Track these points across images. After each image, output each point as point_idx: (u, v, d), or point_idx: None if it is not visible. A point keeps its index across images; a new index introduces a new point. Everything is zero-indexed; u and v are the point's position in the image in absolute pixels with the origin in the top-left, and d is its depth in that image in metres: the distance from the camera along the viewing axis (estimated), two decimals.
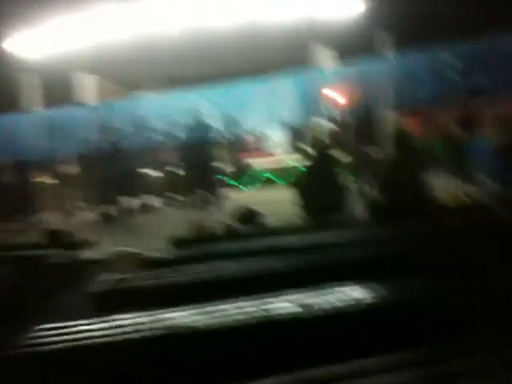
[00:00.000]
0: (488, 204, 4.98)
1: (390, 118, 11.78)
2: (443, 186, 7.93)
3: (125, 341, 2.26)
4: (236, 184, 12.00)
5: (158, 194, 10.02)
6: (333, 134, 10.42)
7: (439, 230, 4.01)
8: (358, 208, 5.53)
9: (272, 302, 2.46)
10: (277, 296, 2.53)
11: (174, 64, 13.33)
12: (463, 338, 1.83)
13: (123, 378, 2.22)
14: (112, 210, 9.45)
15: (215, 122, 8.15)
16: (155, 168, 10.04)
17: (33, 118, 8.40)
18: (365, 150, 9.69)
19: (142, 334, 2.29)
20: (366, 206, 5.29)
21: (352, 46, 10.59)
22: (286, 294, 2.53)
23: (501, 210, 4.56)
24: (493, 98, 9.81)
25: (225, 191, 10.82)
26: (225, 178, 11.73)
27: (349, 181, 6.78)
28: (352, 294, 2.46)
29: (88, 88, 13.55)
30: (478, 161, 8.40)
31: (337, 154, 9.90)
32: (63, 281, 4.92)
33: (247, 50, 12.29)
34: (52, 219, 9.50)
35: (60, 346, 2.26)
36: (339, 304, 2.36)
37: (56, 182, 10.04)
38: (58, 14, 10.64)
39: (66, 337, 2.34)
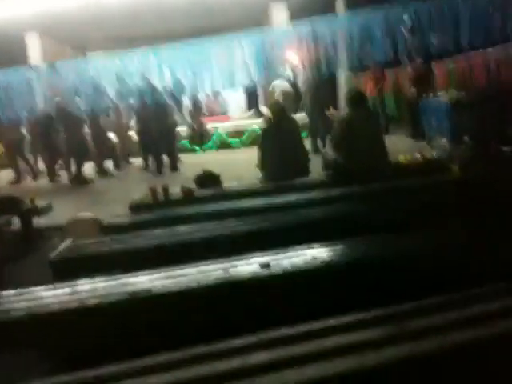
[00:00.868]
0: (441, 161, 5.11)
1: (344, 78, 11.86)
2: (398, 144, 8.11)
3: (84, 307, 2.25)
4: (194, 147, 11.88)
5: (114, 158, 9.81)
6: (289, 95, 10.41)
7: (396, 189, 4.11)
8: (316, 168, 5.58)
9: (234, 265, 2.49)
10: (239, 258, 2.56)
11: (125, 24, 12.94)
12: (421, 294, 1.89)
13: (82, 344, 2.22)
14: (67, 174, 9.26)
15: (170, 84, 7.97)
16: (109, 131, 9.80)
17: None
18: (320, 110, 9.74)
19: (102, 299, 2.28)
20: (324, 166, 5.34)
21: (308, 5, 10.51)
22: (248, 256, 2.56)
23: (453, 167, 4.69)
24: (444, 57, 9.98)
25: (182, 154, 10.74)
26: (182, 141, 11.61)
27: (306, 141, 6.83)
28: (313, 253, 2.51)
29: (36, 49, 13.04)
30: (431, 119, 8.57)
31: (293, 114, 9.96)
32: (19, 249, 4.84)
33: (202, 10, 12.04)
34: (4, 185, 9.23)
35: (19, 313, 2.23)
36: (301, 264, 2.41)
37: (5, 146, 9.70)
38: None
39: (24, 304, 2.32)
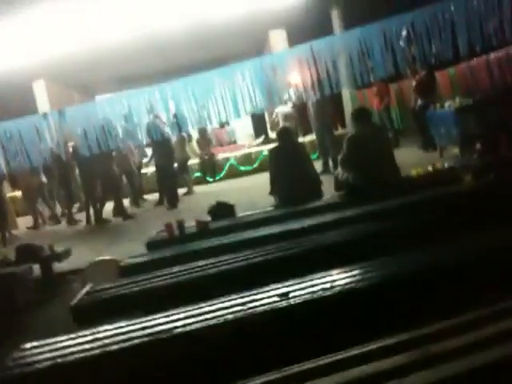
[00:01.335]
0: (454, 172, 5.07)
1: (348, 95, 11.91)
2: (410, 157, 8.08)
3: (106, 353, 2.25)
4: (204, 176, 11.98)
5: (128, 195, 9.90)
6: (292, 118, 10.49)
7: (411, 205, 4.07)
8: (326, 188, 5.58)
9: (253, 296, 2.47)
10: (257, 290, 2.54)
11: (128, 64, 13.20)
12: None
13: None
14: (84, 217, 9.36)
15: (176, 117, 8.06)
16: (123, 170, 9.88)
17: None
18: (328, 130, 9.78)
19: (123, 344, 2.28)
20: (336, 186, 5.32)
21: (305, 27, 10.64)
22: (267, 288, 2.55)
23: (467, 176, 4.65)
24: (448, 65, 10.00)
25: (196, 186, 10.83)
26: (195, 173, 11.73)
27: (314, 162, 6.84)
28: (331, 279, 2.49)
29: (43, 96, 13.32)
30: (440, 129, 8.53)
31: (299, 136, 10.01)
32: (41, 296, 4.87)
33: (202, 42, 12.25)
34: (22, 233, 9.35)
35: (44, 364, 2.23)
36: (317, 290, 2.39)
37: (21, 194, 9.85)
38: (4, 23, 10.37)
39: (48, 354, 2.32)
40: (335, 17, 12.58)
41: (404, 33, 6.87)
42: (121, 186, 9.42)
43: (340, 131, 11.34)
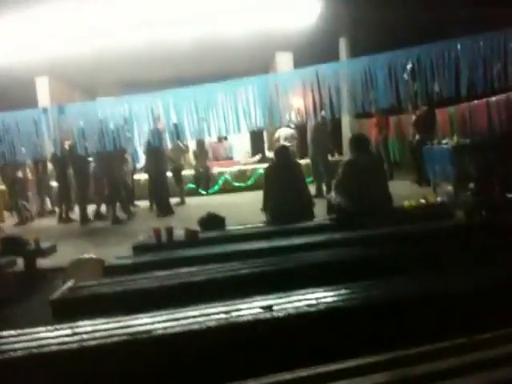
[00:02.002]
0: (446, 207, 5.11)
1: (348, 123, 12.03)
2: (403, 190, 8.13)
3: (84, 348, 2.22)
4: (199, 190, 11.97)
5: (120, 199, 9.82)
6: (292, 139, 10.55)
7: (399, 234, 4.10)
8: (318, 211, 5.60)
9: (236, 306, 2.47)
10: (241, 301, 2.54)
11: (133, 70, 13.28)
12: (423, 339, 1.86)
13: None
14: (73, 215, 9.33)
15: (175, 126, 8.07)
16: (116, 173, 9.84)
17: None
18: (324, 155, 9.85)
19: (102, 341, 2.26)
20: (328, 210, 5.35)
21: (312, 52, 10.77)
22: (251, 299, 2.54)
23: (458, 213, 4.69)
24: (447, 103, 10.11)
25: (188, 197, 10.82)
26: (188, 184, 11.71)
27: (308, 184, 6.88)
28: (315, 296, 2.49)
29: (45, 93, 13.34)
30: (435, 165, 8.61)
31: (297, 157, 10.05)
32: (21, 289, 4.81)
33: (210, 56, 12.36)
34: (11, 226, 9.28)
35: (18, 353, 2.21)
36: (301, 306, 2.39)
37: (13, 187, 9.79)
38: (13, 18, 10.40)
39: (24, 344, 2.29)
40: (342, 44, 12.77)
41: (409, 67, 6.95)
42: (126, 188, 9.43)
43: (337, 158, 11.40)
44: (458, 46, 6.73)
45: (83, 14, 10.45)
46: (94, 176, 9.42)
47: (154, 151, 9.09)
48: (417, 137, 9.71)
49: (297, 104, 8.69)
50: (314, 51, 10.88)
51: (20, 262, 5.27)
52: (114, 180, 9.05)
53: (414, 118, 9.92)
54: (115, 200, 9.07)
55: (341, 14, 11.17)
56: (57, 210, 10.16)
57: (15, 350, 2.25)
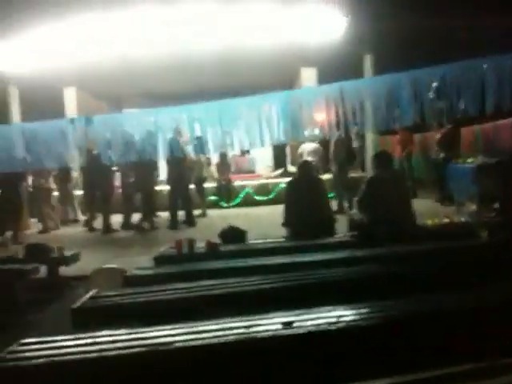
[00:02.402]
0: (469, 226, 5.06)
1: (371, 139, 11.98)
2: (426, 208, 8.05)
3: (103, 357, 2.24)
4: (219, 201, 12.02)
5: (141, 210, 9.90)
6: (316, 154, 10.54)
7: (422, 252, 4.06)
8: (339, 227, 5.58)
9: (256, 321, 2.46)
10: (262, 316, 2.53)
11: (158, 82, 13.46)
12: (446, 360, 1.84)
13: None
14: (96, 225, 9.44)
15: (199, 139, 8.14)
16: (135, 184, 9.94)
17: (14, 131, 8.31)
18: (346, 169, 9.84)
19: (122, 351, 2.27)
20: (349, 226, 5.32)
21: (336, 68, 10.79)
22: (271, 314, 2.54)
23: (480, 232, 4.64)
24: (472, 121, 10.03)
25: (209, 209, 10.87)
26: (210, 196, 11.77)
27: (331, 200, 6.87)
28: (336, 313, 2.48)
29: (73, 103, 13.60)
30: (457, 183, 8.52)
31: (319, 172, 10.04)
32: (44, 296, 4.88)
33: (235, 70, 12.46)
34: (35, 233, 9.42)
35: (40, 360, 2.24)
36: (322, 323, 2.38)
37: (38, 194, 9.95)
38: (43, 28, 10.66)
39: (45, 352, 2.32)
40: (367, 60, 12.77)
41: (434, 85, 6.92)
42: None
43: (360, 174, 11.36)
44: (485, 64, 6.69)
45: (110, 25, 10.67)
46: (122, 186, 9.56)
47: (177, 163, 9.17)
48: (441, 155, 9.62)
49: (320, 119, 8.72)
50: (338, 67, 10.90)
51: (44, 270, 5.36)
52: (145, 190, 9.17)
53: (438, 135, 9.84)
54: (147, 210, 9.18)
55: (366, 30, 11.19)
56: (82, 218, 10.35)
57: (36, 357, 2.28)
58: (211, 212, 10.78)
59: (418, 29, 11.01)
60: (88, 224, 9.57)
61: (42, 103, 12.20)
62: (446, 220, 5.30)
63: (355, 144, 11.66)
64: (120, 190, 9.75)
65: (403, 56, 10.21)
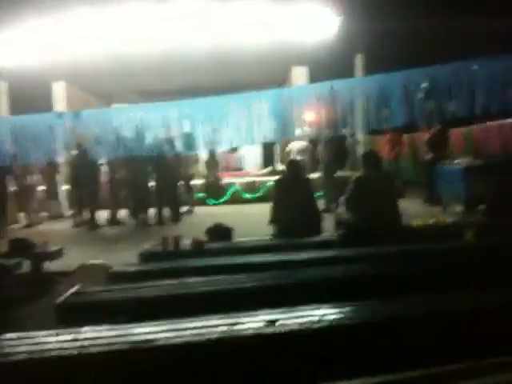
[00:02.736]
0: (455, 227, 5.07)
1: (360, 139, 12.00)
2: (413, 209, 8.08)
3: (84, 354, 2.22)
4: (207, 197, 11.99)
5: (128, 205, 9.84)
6: (305, 153, 10.54)
7: (407, 252, 4.07)
8: (327, 226, 5.58)
9: (239, 320, 2.45)
10: (245, 314, 2.52)
11: (149, 78, 13.39)
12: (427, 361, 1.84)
13: None
14: (80, 220, 9.37)
15: (188, 136, 8.11)
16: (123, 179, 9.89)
17: (2, 124, 8.24)
18: (334, 168, 9.85)
19: (103, 348, 2.25)
20: (336, 225, 5.33)
21: (327, 67, 10.80)
22: (255, 312, 2.53)
23: (467, 234, 4.66)
24: (462, 123, 10.08)
25: (197, 206, 10.83)
26: (198, 193, 11.74)
27: (319, 199, 6.88)
28: (319, 312, 2.47)
29: (62, 97, 13.48)
30: (446, 185, 8.56)
31: (307, 171, 10.05)
32: (27, 291, 4.83)
33: (225, 68, 12.43)
34: (20, 228, 9.35)
35: (19, 357, 2.21)
36: (305, 322, 2.37)
37: (23, 189, 9.87)
38: (33, 22, 10.57)
39: (25, 348, 2.29)
40: (358, 60, 12.79)
41: (424, 85, 6.94)
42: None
43: (347, 173, 11.38)
44: (475, 66, 6.72)
45: (101, 20, 10.59)
46: (110, 181, 9.51)
47: (166, 159, 9.14)
48: (429, 155, 9.66)
49: (310, 118, 8.72)
50: (329, 66, 10.91)
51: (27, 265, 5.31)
52: (135, 186, 9.13)
53: (427, 136, 9.88)
54: (136, 206, 9.15)
55: (358, 30, 11.21)
56: (68, 213, 10.30)
57: (17, 353, 2.25)
58: (199, 209, 10.76)
59: (409, 29, 11.05)
60: (74, 219, 9.50)
61: (31, 98, 12.09)
62: (433, 220, 5.32)
63: (348, 143, 11.71)
64: (107, 186, 9.68)
65: (394, 56, 10.25)
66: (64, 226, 9.61)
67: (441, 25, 11.12)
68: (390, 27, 10.87)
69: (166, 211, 9.40)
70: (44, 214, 10.21)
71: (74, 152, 9.09)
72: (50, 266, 5.50)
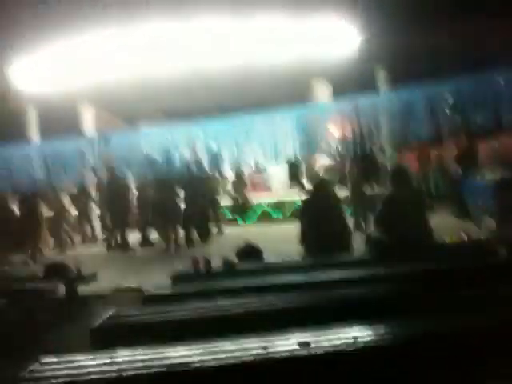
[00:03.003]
0: (488, 243, 4.99)
1: (387, 154, 11.94)
2: (442, 223, 7.97)
3: (122, 378, 2.25)
4: (235, 218, 12.04)
5: (159, 227, 9.94)
6: (331, 169, 10.54)
7: (438, 270, 4.01)
8: (356, 244, 5.55)
9: (273, 341, 2.46)
10: (278, 334, 2.53)
11: (173, 98, 13.58)
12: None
13: None
14: (113, 243, 9.51)
15: (214, 155, 8.21)
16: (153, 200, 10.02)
17: (33, 150, 8.46)
18: (362, 185, 9.80)
19: (140, 371, 2.28)
20: (365, 242, 5.30)
21: (351, 82, 10.82)
22: (287, 333, 2.53)
23: (498, 249, 4.57)
24: (490, 135, 9.95)
25: (224, 225, 10.88)
26: (224, 212, 11.79)
27: (347, 216, 6.84)
28: (353, 333, 2.46)
29: (90, 120, 13.79)
30: (475, 198, 8.44)
31: (334, 188, 10.02)
32: (62, 315, 4.91)
33: (247, 85, 12.54)
34: (54, 252, 9.52)
35: (59, 380, 2.25)
36: (340, 344, 2.36)
37: (58, 214, 10.09)
38: (58, 48, 10.87)
39: (65, 371, 2.34)
40: (380, 74, 12.78)
41: (450, 99, 6.90)
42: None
43: (377, 191, 11.32)
44: (500, 78, 6.65)
45: (127, 42, 10.85)
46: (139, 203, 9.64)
47: (193, 180, 9.23)
48: (459, 170, 9.55)
49: (336, 135, 8.74)
50: (351, 80, 10.93)
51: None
52: (165, 207, 9.23)
53: (455, 151, 9.78)
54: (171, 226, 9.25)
55: (379, 43, 11.21)
56: (101, 236, 10.50)
57: (56, 376, 2.29)
58: (227, 229, 10.80)
59: (433, 41, 11.01)
60: (107, 242, 9.65)
61: (60, 121, 12.38)
62: (465, 236, 5.24)
63: (380, 159, 11.66)
64: (136, 208, 9.81)
65: (418, 69, 10.21)
66: (96, 249, 9.76)
67: (466, 37, 11.05)
68: (413, 39, 10.85)
69: (195, 232, 9.47)
70: (77, 237, 10.39)
71: (105, 175, 9.30)
72: (84, 290, 5.58)
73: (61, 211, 10.01)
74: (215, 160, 8.22)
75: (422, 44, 10.95)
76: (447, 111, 7.03)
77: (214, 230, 10.34)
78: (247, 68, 11.10)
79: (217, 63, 10.94)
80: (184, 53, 11.01)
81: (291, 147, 7.60)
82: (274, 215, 12.07)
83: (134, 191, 10.02)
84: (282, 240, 8.01)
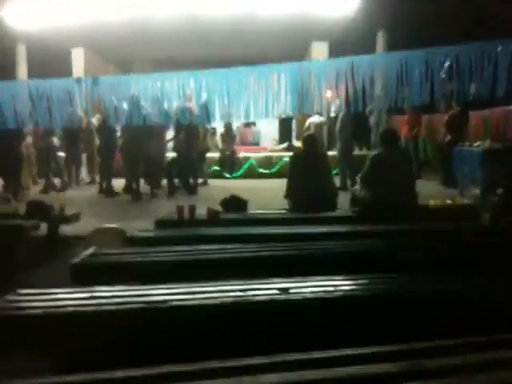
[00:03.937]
0: (471, 209, 5.05)
1: (379, 116, 11.90)
2: (427, 188, 8.04)
3: (100, 312, 2.26)
4: (222, 171, 12.01)
5: (145, 175, 9.86)
6: (321, 127, 10.49)
7: (421, 231, 4.05)
8: (341, 203, 5.58)
9: (252, 286, 2.48)
10: (259, 281, 2.55)
11: (168, 47, 13.33)
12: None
13: (94, 348, 2.22)
14: (99, 187, 9.46)
15: (205, 107, 8.08)
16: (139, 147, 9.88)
17: (20, 87, 8.25)
18: (352, 147, 9.79)
19: (119, 306, 2.29)
20: (351, 202, 5.33)
21: (348, 43, 10.67)
22: (269, 280, 2.55)
23: (483, 216, 4.63)
24: (482, 105, 9.93)
25: (212, 179, 10.87)
26: (213, 166, 11.76)
27: (334, 176, 6.86)
28: (335, 283, 2.49)
29: (80, 63, 13.50)
30: (464, 167, 8.48)
31: (323, 146, 10.01)
32: (43, 253, 4.91)
33: (244, 41, 12.33)
34: (37, 192, 9.45)
35: (36, 311, 2.25)
36: (318, 291, 2.39)
37: (43, 153, 9.97)
38: None
39: (42, 303, 2.34)
40: (380, 37, 12.61)
41: (446, 65, 6.81)
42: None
43: (364, 152, 11.33)
44: (499, 47, 6.56)
45: None
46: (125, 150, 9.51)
47: (182, 130, 9.13)
48: (448, 137, 9.56)
49: (329, 94, 8.63)
50: (350, 43, 10.77)
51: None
52: (150, 155, 9.13)
53: (446, 117, 9.75)
54: (151, 175, 9.19)
55: (380, 6, 11.01)
56: (87, 180, 10.47)
57: (32, 307, 2.29)
58: (213, 182, 10.78)
59: (433, 7, 10.83)
60: (95, 186, 9.57)
61: (50, 63, 12.11)
62: (449, 202, 5.29)
63: (371, 121, 11.62)
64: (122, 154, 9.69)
65: (417, 33, 10.07)
66: (81, 191, 9.73)
67: (467, 2, 10.88)
68: (414, 3, 10.66)
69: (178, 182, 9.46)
70: (64, 179, 10.31)
71: (94, 119, 9.16)
72: (66, 229, 5.57)
73: (46, 151, 9.87)
74: (205, 112, 8.07)
75: (423, 8, 10.78)
76: (442, 78, 6.94)
77: (201, 181, 10.31)
78: (244, 20, 10.87)
79: (213, 14, 10.70)
80: (181, 0, 10.73)
81: (283, 104, 7.48)
82: (262, 170, 12.06)
83: (121, 137, 9.88)
84: (267, 194, 8.05)
